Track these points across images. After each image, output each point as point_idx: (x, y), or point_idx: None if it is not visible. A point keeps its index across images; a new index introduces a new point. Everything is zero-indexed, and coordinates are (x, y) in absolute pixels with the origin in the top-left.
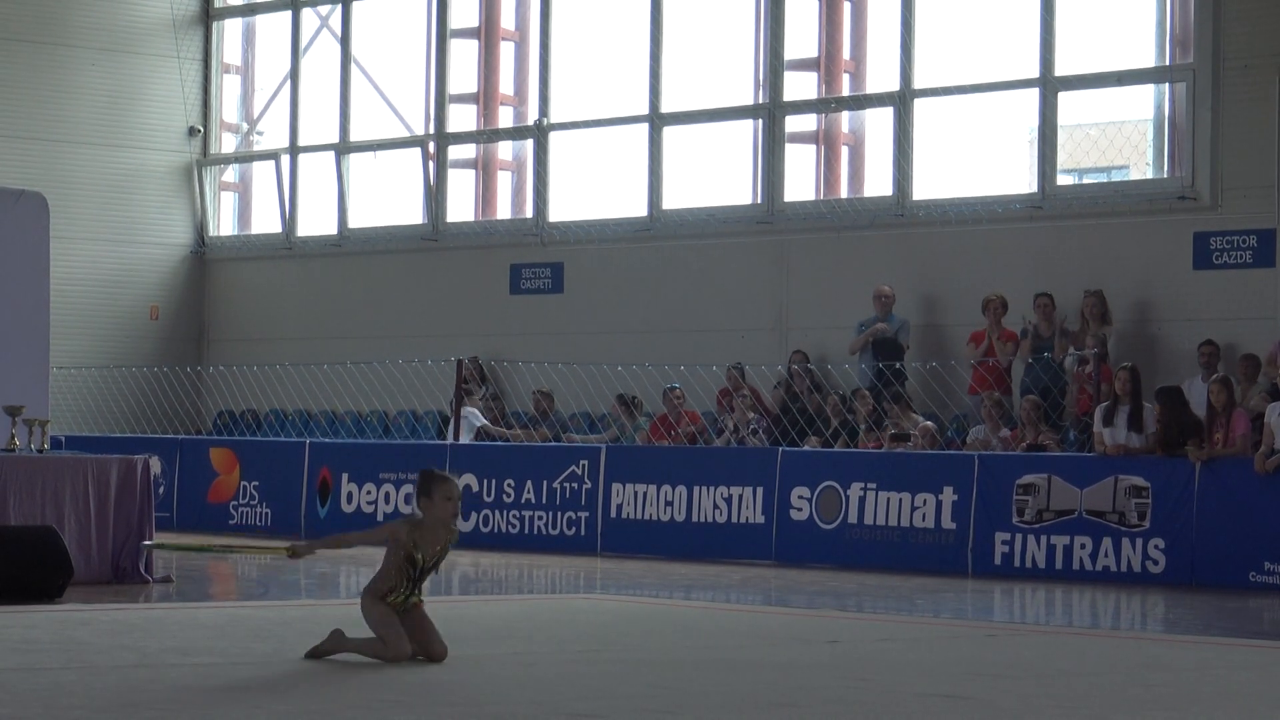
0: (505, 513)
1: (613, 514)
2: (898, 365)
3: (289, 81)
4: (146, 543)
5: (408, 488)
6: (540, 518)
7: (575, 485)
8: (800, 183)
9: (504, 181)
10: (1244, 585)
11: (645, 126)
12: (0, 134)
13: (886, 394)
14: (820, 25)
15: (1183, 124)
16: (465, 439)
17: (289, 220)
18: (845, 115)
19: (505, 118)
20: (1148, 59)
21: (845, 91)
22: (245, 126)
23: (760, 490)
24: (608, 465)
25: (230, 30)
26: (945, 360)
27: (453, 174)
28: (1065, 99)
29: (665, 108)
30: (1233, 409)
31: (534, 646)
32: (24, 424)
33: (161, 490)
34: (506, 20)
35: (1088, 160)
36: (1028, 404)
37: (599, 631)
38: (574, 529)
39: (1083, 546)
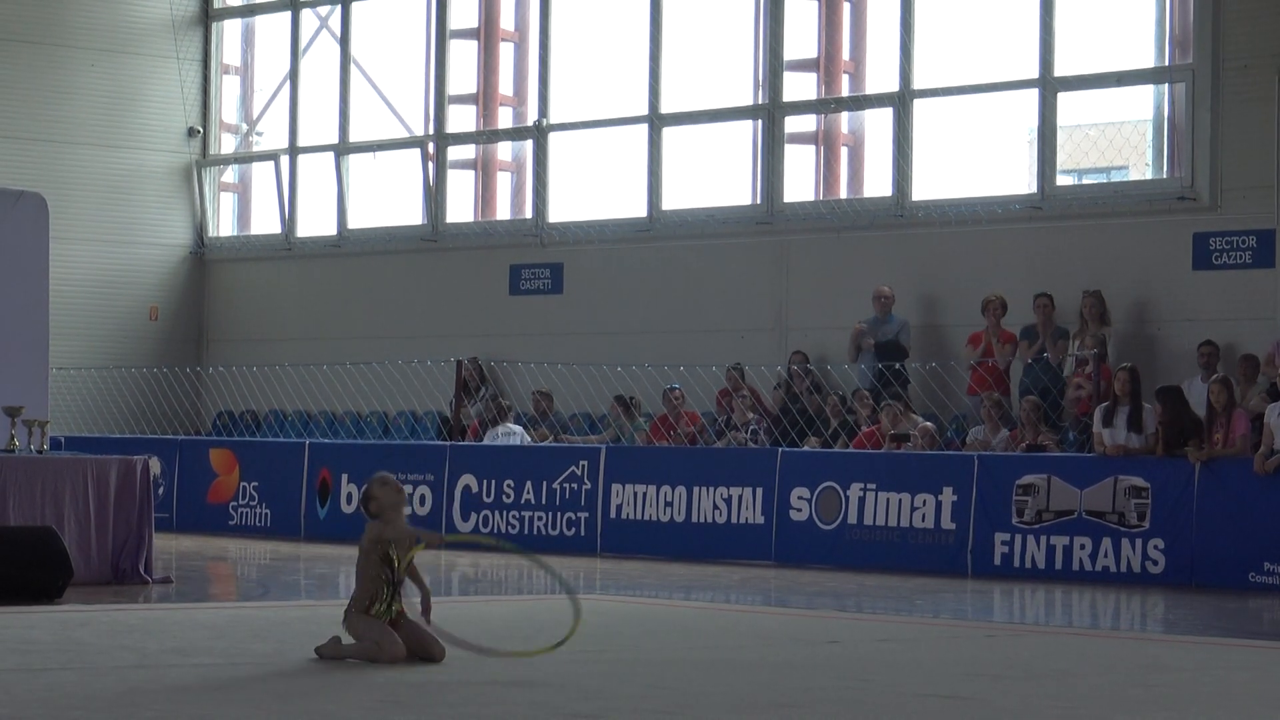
0: (505, 513)
1: (612, 514)
2: (898, 366)
3: (288, 82)
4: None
5: (407, 488)
6: (540, 518)
7: (575, 486)
8: (800, 183)
9: (503, 182)
10: (1244, 586)
11: (645, 127)
12: (1, 135)
13: (886, 394)
14: (820, 26)
15: (1182, 124)
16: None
17: (288, 221)
18: (845, 116)
19: (505, 118)
20: (1147, 59)
21: (845, 92)
22: (245, 127)
23: (760, 491)
24: (607, 466)
25: (230, 31)
26: (945, 361)
27: (452, 175)
28: (1065, 99)
29: (665, 108)
30: (1232, 409)
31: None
32: (23, 425)
33: (161, 491)
34: (506, 21)
35: (1087, 161)
36: (1027, 404)
37: (598, 632)
38: (573, 529)
39: (1082, 547)
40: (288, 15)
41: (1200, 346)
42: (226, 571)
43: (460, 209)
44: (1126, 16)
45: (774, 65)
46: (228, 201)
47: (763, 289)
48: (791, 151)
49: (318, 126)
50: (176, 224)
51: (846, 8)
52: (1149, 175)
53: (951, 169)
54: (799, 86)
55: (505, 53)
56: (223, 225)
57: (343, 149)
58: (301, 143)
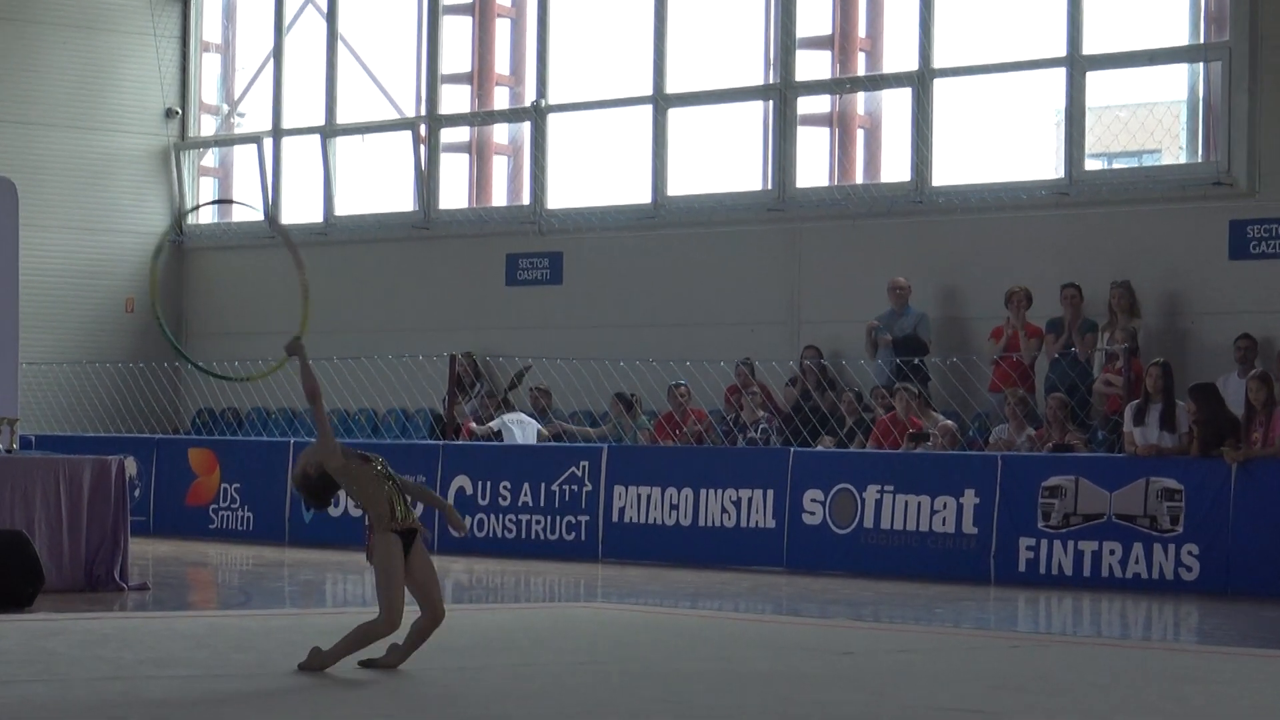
0: (501, 516)
1: (614, 518)
2: (917, 362)
3: (272, 60)
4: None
5: None
6: (538, 522)
7: (575, 487)
8: (813, 168)
9: (499, 166)
10: None
11: (649, 108)
12: None
13: (905, 393)
14: (834, 1)
15: (1218, 105)
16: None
17: (272, 207)
18: (861, 96)
19: (501, 99)
20: (1181, 37)
21: (861, 71)
22: (226, 108)
23: (771, 493)
24: (609, 466)
25: (210, 6)
26: (966, 355)
27: (445, 158)
28: (1094, 79)
29: (670, 88)
30: (1272, 407)
31: (531, 658)
32: None
33: (138, 493)
34: None
35: (1117, 144)
36: (1053, 402)
37: (600, 642)
38: (574, 534)
39: (1112, 552)
40: None
41: (1237, 341)
42: (207, 578)
43: (454, 195)
44: None
45: (786, 43)
46: (208, 186)
47: (773, 280)
48: (804, 134)
49: (303, 107)
50: (154, 210)
51: None
52: (1183, 159)
53: (974, 153)
54: (812, 65)
55: (501, 29)
56: (203, 212)
57: (329, 131)
58: (286, 124)
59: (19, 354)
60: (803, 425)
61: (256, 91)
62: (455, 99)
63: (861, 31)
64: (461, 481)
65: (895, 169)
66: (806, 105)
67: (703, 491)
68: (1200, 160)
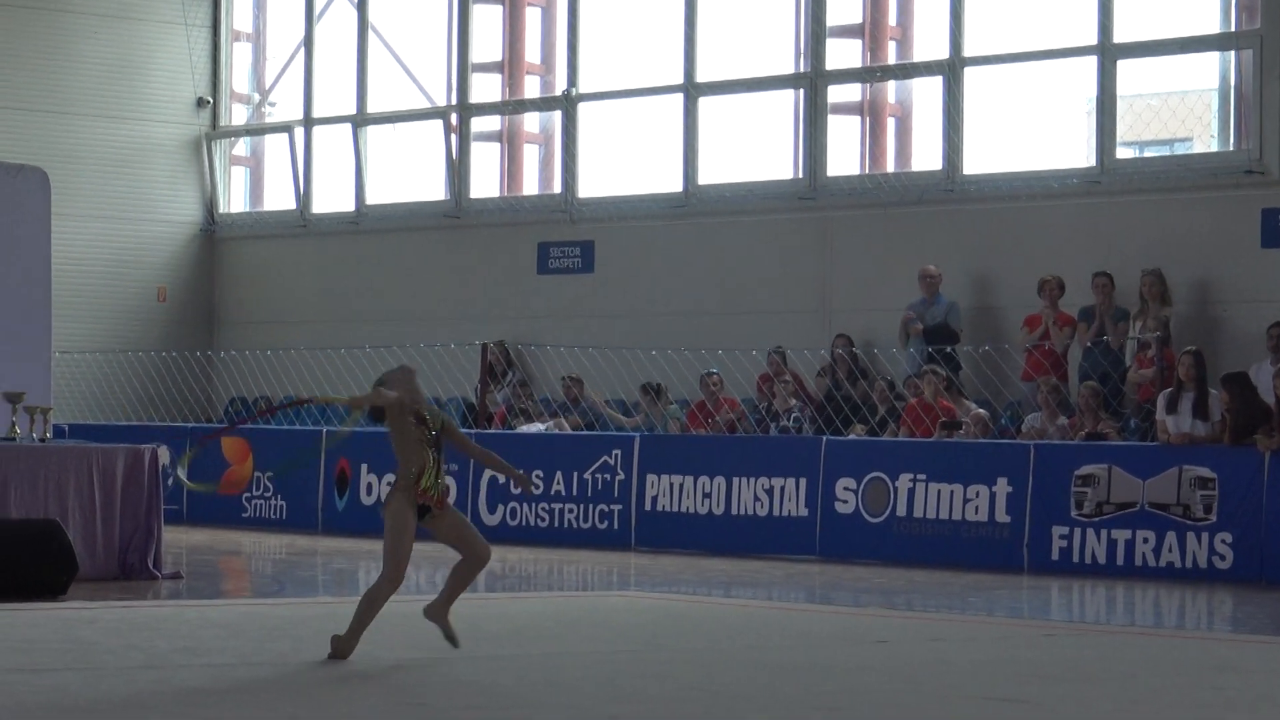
0: (534, 506)
1: (647, 506)
2: (949, 350)
3: (303, 49)
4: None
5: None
6: (571, 511)
7: (607, 476)
8: (844, 156)
9: (531, 155)
10: None
11: (680, 97)
12: None
13: (933, 375)
14: None
15: (1249, 93)
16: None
17: (303, 196)
18: (892, 85)
19: (532, 87)
20: (1212, 24)
21: (891, 60)
22: (257, 97)
23: (803, 481)
24: (642, 455)
25: None
26: (998, 344)
27: (476, 147)
28: (1125, 67)
29: (701, 77)
30: None
31: (564, 647)
32: (25, 412)
33: (170, 481)
34: None
35: (1149, 132)
36: (1086, 390)
37: (633, 631)
38: (606, 522)
39: (1145, 541)
40: None
41: (1270, 329)
42: (240, 566)
43: (485, 183)
44: None
45: (816, 31)
46: (239, 176)
47: (805, 268)
48: (835, 123)
49: (334, 96)
50: (185, 200)
51: None
52: (1214, 147)
53: (1005, 141)
54: (843, 54)
55: (532, 17)
56: (234, 201)
57: (361, 120)
58: (317, 114)
59: (52, 343)
60: (835, 414)
61: (288, 80)
62: (486, 88)
63: (892, 20)
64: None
65: (926, 158)
66: (837, 94)
67: (735, 480)
68: (1232, 148)
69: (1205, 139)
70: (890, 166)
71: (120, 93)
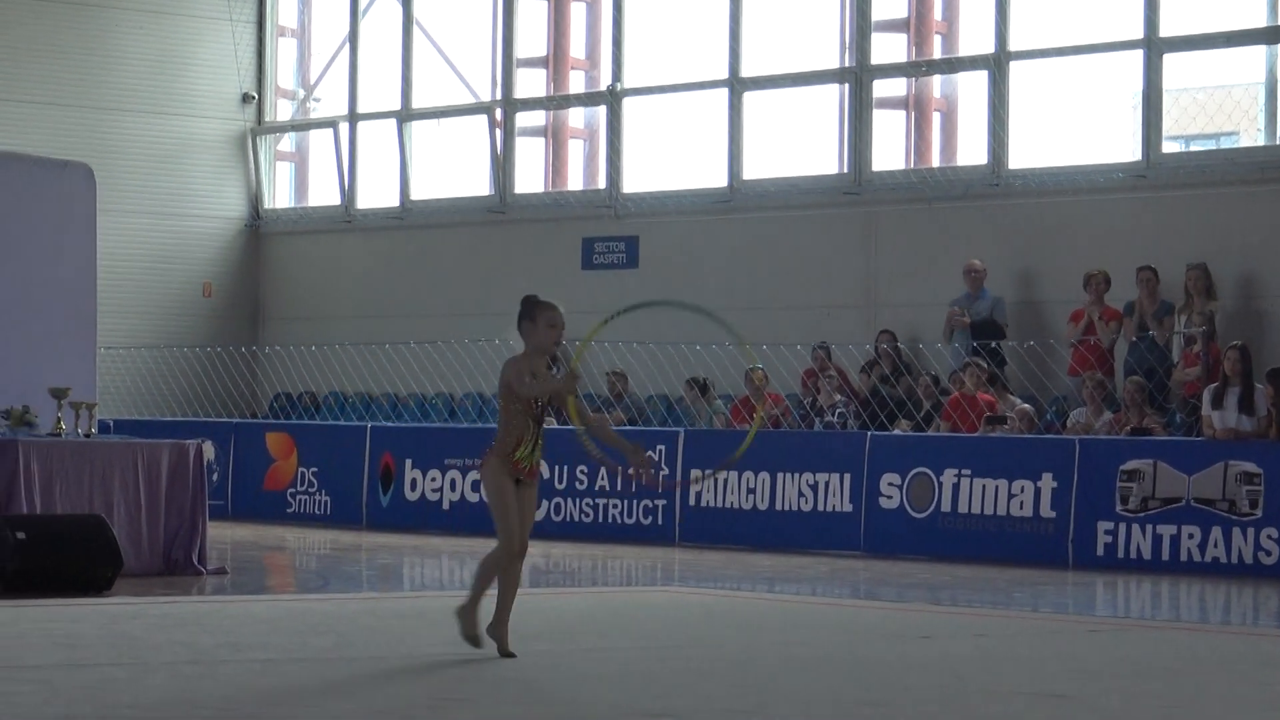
0: (578, 501)
1: (692, 502)
2: (994, 345)
3: (348, 45)
4: None
5: (474, 475)
6: (615, 506)
7: (652, 471)
8: (889, 151)
9: (575, 150)
10: None
11: (725, 92)
12: (44, 102)
13: (975, 368)
14: None
15: None
16: None
17: (348, 192)
18: (937, 79)
19: (576, 82)
20: (1259, 18)
21: (937, 54)
22: (302, 93)
23: (848, 477)
24: (686, 450)
25: None
26: (1044, 339)
27: (521, 142)
28: (1171, 61)
29: (746, 72)
30: None
31: (608, 642)
32: (70, 407)
33: (215, 477)
34: None
35: (1195, 126)
36: (1131, 385)
37: (677, 627)
38: (651, 518)
39: (1190, 536)
40: None
41: None
42: (284, 562)
43: (530, 179)
44: None
45: (861, 25)
46: (284, 171)
47: (850, 263)
48: (880, 117)
49: (379, 92)
50: (230, 195)
51: None
52: (1260, 141)
53: (1051, 135)
54: (888, 48)
55: (577, 12)
56: (279, 196)
57: (405, 115)
58: (362, 109)
59: (97, 338)
60: (880, 409)
61: (333, 76)
62: (531, 83)
63: (937, 14)
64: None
65: (971, 152)
66: (882, 88)
67: (780, 475)
68: (1278, 142)
69: (1251, 133)
70: (935, 161)
71: (165, 88)
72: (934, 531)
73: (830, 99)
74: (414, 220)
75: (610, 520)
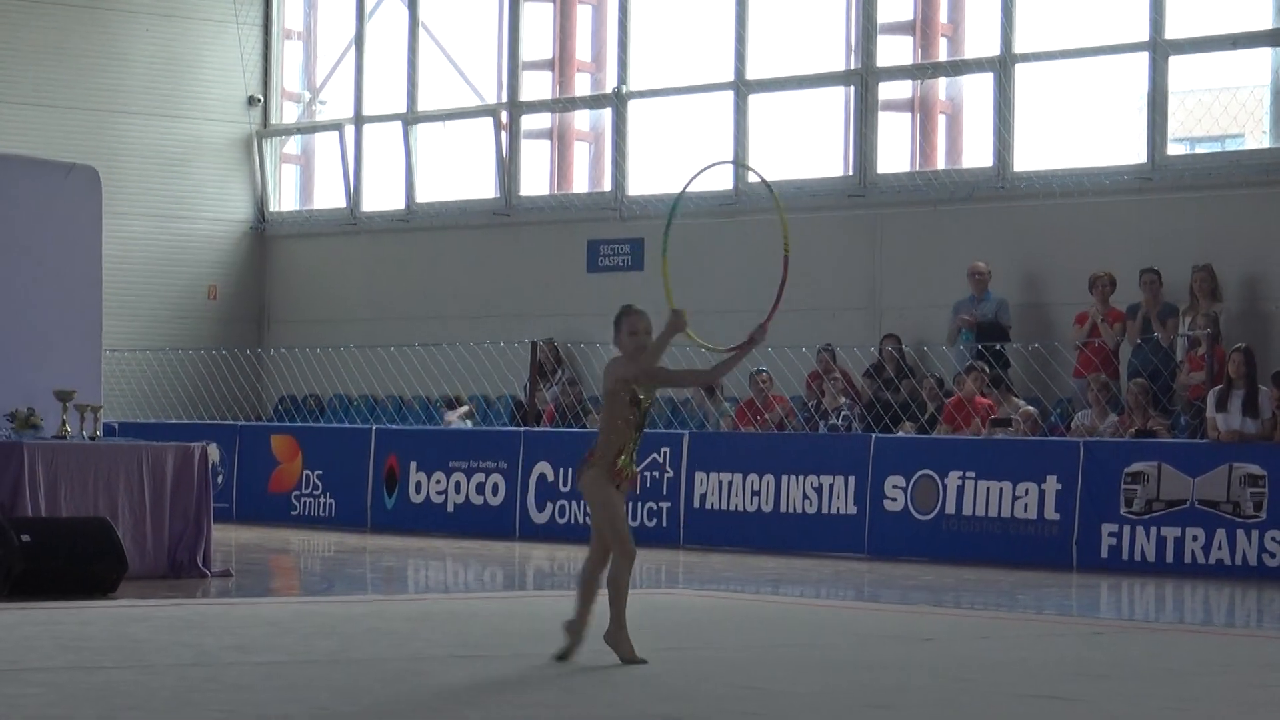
0: (582, 503)
1: (696, 504)
2: (998, 347)
3: (354, 48)
4: None
5: (479, 476)
6: None
7: (656, 474)
8: (894, 153)
9: (581, 153)
10: None
11: (730, 94)
12: (50, 104)
13: (976, 371)
14: None
15: None
16: None
17: (354, 194)
18: (942, 81)
19: (582, 85)
20: (1265, 20)
21: (942, 56)
22: (308, 95)
23: (852, 479)
24: (690, 453)
25: None
26: (1048, 341)
27: (526, 145)
28: (1177, 63)
29: (751, 74)
30: None
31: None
32: (75, 410)
33: (220, 479)
34: None
35: (1200, 128)
36: (1136, 387)
37: (681, 629)
38: (654, 520)
39: (1195, 538)
40: None
41: None
42: (289, 564)
43: (535, 181)
44: None
45: (867, 28)
46: (290, 174)
47: (855, 266)
48: (885, 120)
49: (384, 95)
50: (236, 198)
51: None
52: (1266, 144)
53: (1056, 138)
54: (894, 50)
55: (582, 15)
56: (285, 199)
57: (411, 118)
58: (367, 112)
59: (102, 341)
60: (884, 411)
61: (338, 79)
62: (536, 85)
63: (943, 17)
64: (542, 468)
65: (977, 154)
66: (888, 91)
67: (784, 478)
68: None
69: (1257, 135)
70: (941, 163)
71: (171, 91)
72: (938, 534)
73: (836, 101)
74: (419, 223)
75: None
